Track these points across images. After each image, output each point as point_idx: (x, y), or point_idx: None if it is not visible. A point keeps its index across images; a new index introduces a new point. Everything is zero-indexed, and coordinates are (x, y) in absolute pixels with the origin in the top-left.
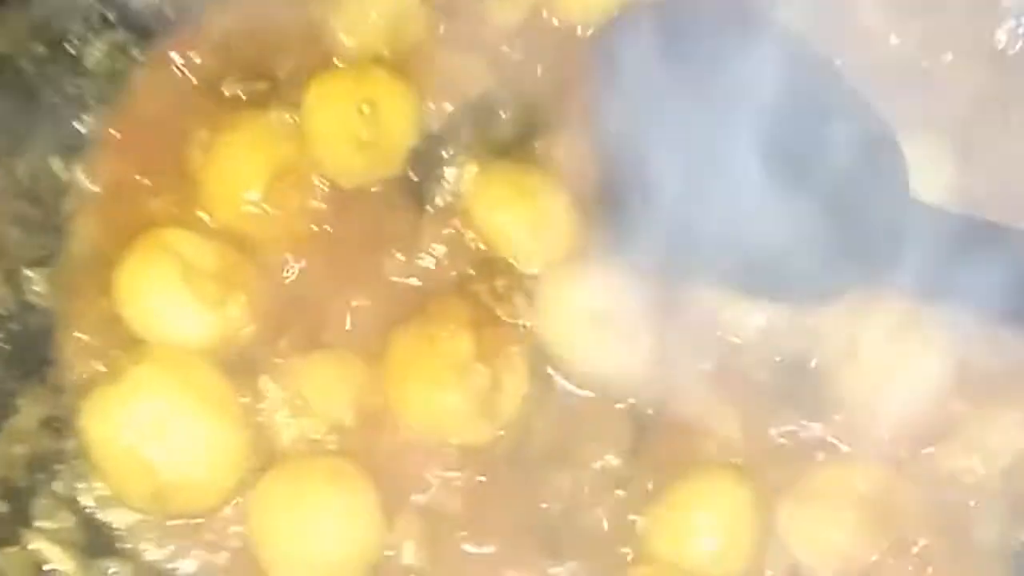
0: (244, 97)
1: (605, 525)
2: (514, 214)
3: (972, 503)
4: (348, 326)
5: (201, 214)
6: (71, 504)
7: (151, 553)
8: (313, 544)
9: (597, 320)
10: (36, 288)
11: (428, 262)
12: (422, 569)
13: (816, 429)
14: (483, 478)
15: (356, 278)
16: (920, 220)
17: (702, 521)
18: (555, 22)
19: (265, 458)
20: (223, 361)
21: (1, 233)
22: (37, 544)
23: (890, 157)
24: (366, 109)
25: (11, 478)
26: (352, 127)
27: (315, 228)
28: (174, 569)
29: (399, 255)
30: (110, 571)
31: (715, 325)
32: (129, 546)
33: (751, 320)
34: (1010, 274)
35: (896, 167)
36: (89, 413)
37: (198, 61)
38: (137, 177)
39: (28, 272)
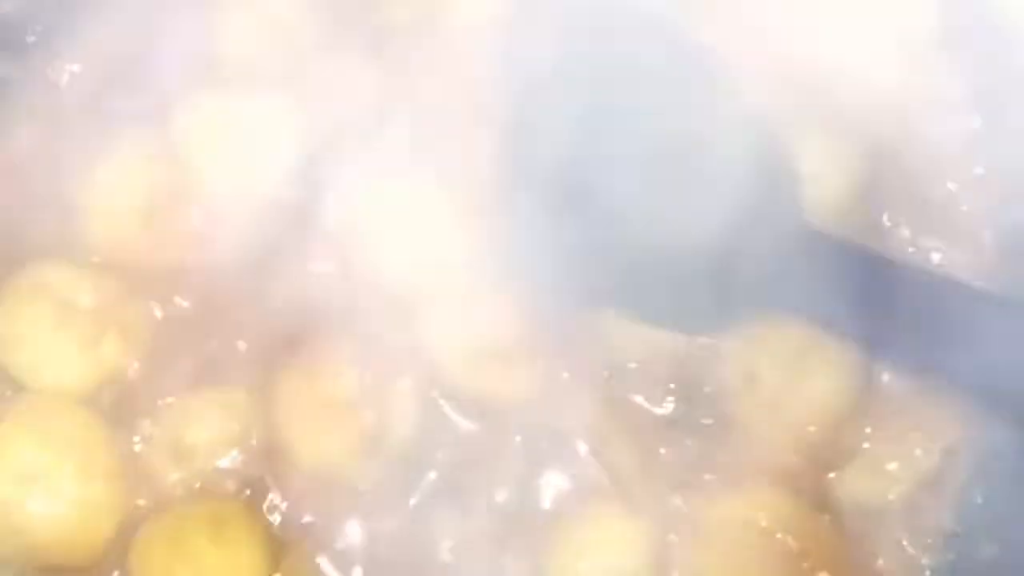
0: (125, 115)
1: (500, 554)
2: (398, 243)
3: (876, 530)
4: (233, 362)
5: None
6: None
7: None
8: None
9: (488, 348)
10: None
11: (314, 296)
12: None
13: (714, 454)
14: (377, 519)
15: (241, 310)
16: (815, 249)
17: (591, 562)
18: None
19: (149, 503)
20: (102, 405)
21: None
22: None
23: (787, 186)
24: None
25: None
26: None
27: (193, 256)
28: None
29: (282, 289)
30: None
31: (609, 350)
32: None
33: (644, 345)
34: (903, 308)
35: (792, 197)
36: None
37: (76, 75)
38: (14, 202)
39: None
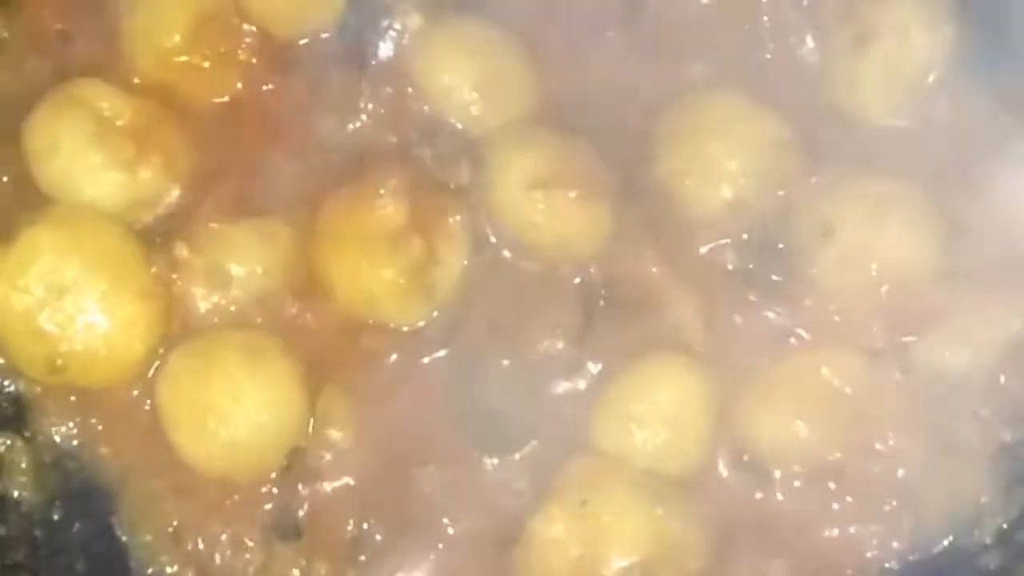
0: None
1: (547, 415)
2: (462, 73)
3: (954, 400)
4: (277, 192)
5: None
6: None
7: (48, 428)
8: (226, 422)
9: (549, 186)
10: None
11: (366, 125)
12: (346, 452)
13: (784, 315)
14: (418, 359)
15: (287, 141)
16: None
17: (649, 411)
18: None
19: (179, 331)
20: (136, 227)
21: None
22: None
23: None
24: None
25: None
26: None
27: (242, 86)
28: (74, 442)
29: (334, 117)
30: (2, 445)
31: (675, 199)
32: (24, 419)
33: (718, 193)
34: None
35: None
36: None
37: None
38: (56, 26)
39: None
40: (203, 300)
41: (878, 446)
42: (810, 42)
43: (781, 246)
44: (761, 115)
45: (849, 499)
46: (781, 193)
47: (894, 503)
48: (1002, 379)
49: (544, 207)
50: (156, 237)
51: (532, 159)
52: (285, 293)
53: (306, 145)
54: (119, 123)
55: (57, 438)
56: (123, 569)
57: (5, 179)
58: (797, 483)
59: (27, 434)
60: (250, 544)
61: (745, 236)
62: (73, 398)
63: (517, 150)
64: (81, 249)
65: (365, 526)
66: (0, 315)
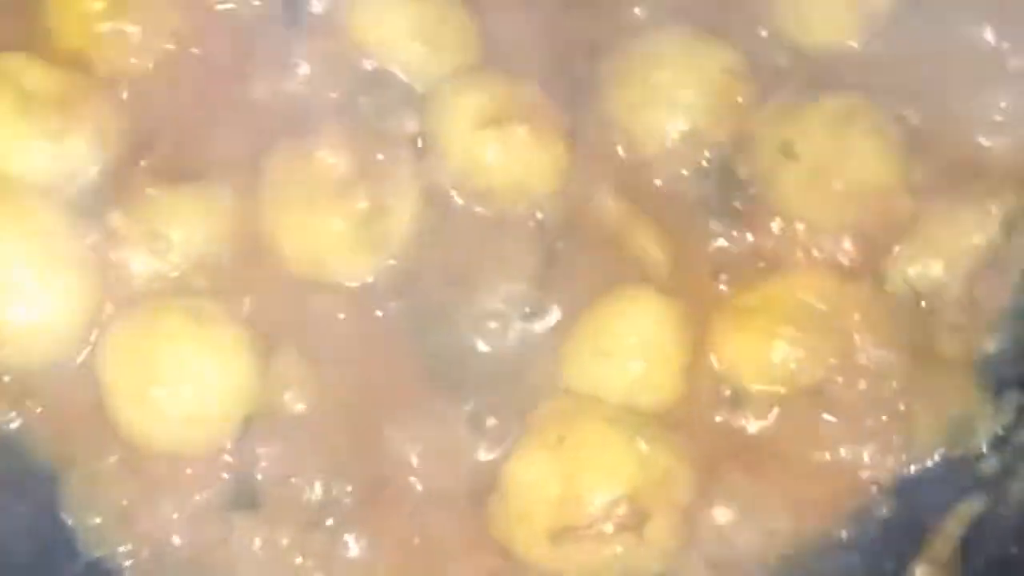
0: None
1: (514, 360)
2: (400, 24)
3: (931, 312)
4: (214, 155)
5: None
6: None
7: None
8: (173, 394)
9: (499, 123)
10: None
11: (302, 84)
12: (303, 415)
13: (750, 241)
14: (374, 313)
15: (220, 104)
16: None
17: (618, 343)
18: None
19: (118, 302)
20: (69, 199)
21: None
22: None
23: None
24: None
25: None
26: None
27: (174, 47)
28: (11, 424)
29: (268, 77)
30: None
31: (628, 135)
32: None
33: (673, 125)
34: None
35: None
36: None
37: None
38: None
39: None
40: (142, 268)
41: (860, 362)
42: None
43: (740, 173)
44: (708, 45)
45: (835, 420)
46: (737, 121)
47: (883, 419)
48: (976, 290)
49: (496, 146)
50: (89, 207)
51: (480, 99)
52: (228, 257)
53: (241, 107)
54: (43, 95)
55: None
56: (71, 553)
57: None
58: (780, 409)
59: None
60: (207, 519)
61: (704, 164)
62: (7, 378)
63: (464, 93)
64: (9, 222)
65: (332, 490)
66: None
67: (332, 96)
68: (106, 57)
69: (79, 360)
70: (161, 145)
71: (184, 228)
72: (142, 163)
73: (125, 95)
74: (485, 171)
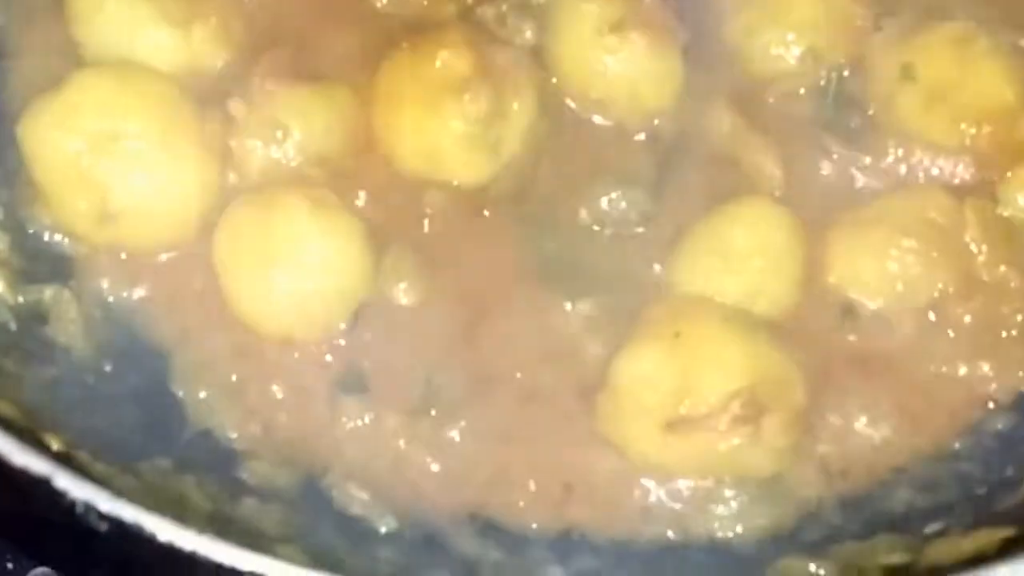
0: None
1: (627, 263)
2: None
3: None
4: (333, 58)
5: None
6: (7, 226)
7: (98, 285)
8: (289, 276)
9: (621, 29)
10: None
11: None
12: (412, 308)
13: (867, 160)
14: (484, 213)
15: (344, 6)
16: None
17: (734, 248)
18: None
19: (236, 190)
20: (192, 87)
21: None
22: None
23: None
24: None
25: None
26: None
27: None
28: (124, 301)
29: None
30: (46, 295)
31: (746, 55)
32: (72, 275)
33: (790, 45)
34: None
35: None
36: (28, 121)
37: None
38: None
39: None
40: (261, 156)
41: (979, 278)
42: None
43: (857, 94)
44: None
45: (952, 334)
46: (854, 42)
47: (1000, 335)
48: None
49: (614, 55)
50: (211, 96)
51: (601, 6)
52: (345, 153)
53: (363, 15)
54: None
55: (107, 294)
56: (181, 423)
57: (51, 50)
58: (896, 322)
59: (75, 288)
60: (315, 400)
61: (822, 84)
62: (124, 256)
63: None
64: (133, 95)
65: (437, 381)
66: (46, 162)
67: (451, 8)
68: None
69: (194, 242)
70: (283, 44)
71: (302, 121)
72: (264, 60)
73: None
74: (602, 79)
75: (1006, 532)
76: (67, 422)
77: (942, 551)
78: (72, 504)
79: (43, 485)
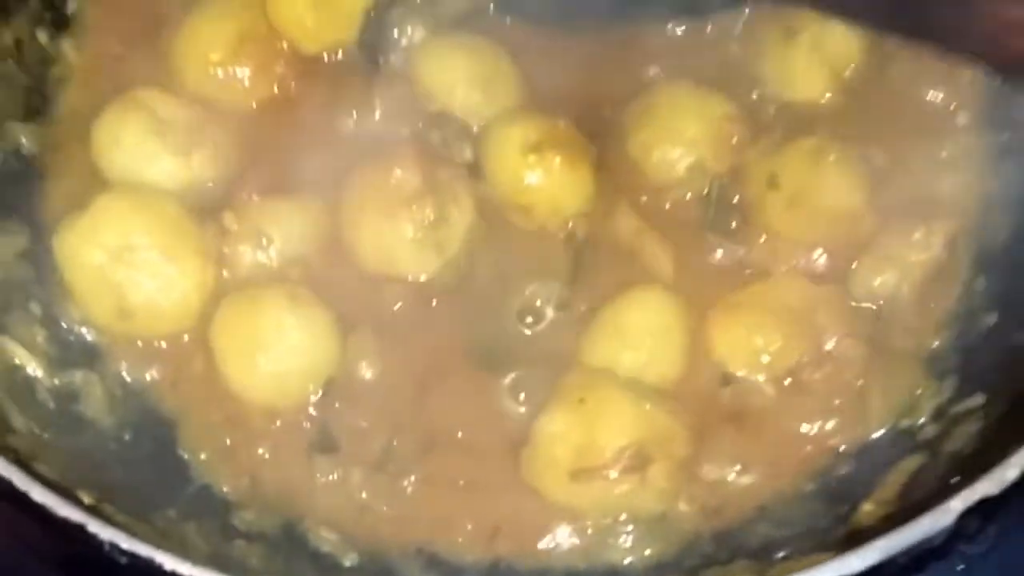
0: None
1: (546, 342)
2: (459, 74)
3: (888, 313)
4: (307, 174)
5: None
6: (44, 322)
7: (118, 368)
8: (272, 356)
9: (540, 149)
10: (23, 140)
11: (381, 121)
12: (372, 381)
13: (741, 252)
14: (432, 303)
15: (314, 134)
16: None
17: (631, 330)
18: None
19: (228, 288)
20: (191, 203)
21: None
22: (8, 346)
23: None
24: None
25: None
26: None
27: (277, 91)
28: (140, 381)
29: (354, 113)
30: (77, 378)
31: (644, 166)
32: (97, 361)
33: (680, 160)
34: None
35: None
36: (61, 236)
37: None
38: (117, 50)
39: (15, 125)
40: (249, 259)
41: (828, 351)
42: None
43: (736, 199)
44: (710, 97)
45: (807, 397)
46: (732, 157)
47: (845, 398)
48: (924, 296)
49: (536, 170)
50: (208, 209)
51: (525, 130)
52: (317, 255)
53: (329, 137)
54: (172, 121)
55: (126, 375)
56: (186, 480)
57: (78, 173)
58: (763, 386)
59: (100, 371)
60: (293, 459)
61: (706, 191)
62: (139, 343)
63: (511, 126)
64: (145, 213)
65: (394, 442)
66: (75, 270)
67: (405, 130)
68: (222, 95)
69: (194, 331)
70: (265, 164)
71: (282, 229)
72: (250, 177)
73: (237, 124)
74: (527, 191)
75: (830, 556)
76: (96, 481)
77: (783, 571)
78: (101, 544)
79: (79, 530)
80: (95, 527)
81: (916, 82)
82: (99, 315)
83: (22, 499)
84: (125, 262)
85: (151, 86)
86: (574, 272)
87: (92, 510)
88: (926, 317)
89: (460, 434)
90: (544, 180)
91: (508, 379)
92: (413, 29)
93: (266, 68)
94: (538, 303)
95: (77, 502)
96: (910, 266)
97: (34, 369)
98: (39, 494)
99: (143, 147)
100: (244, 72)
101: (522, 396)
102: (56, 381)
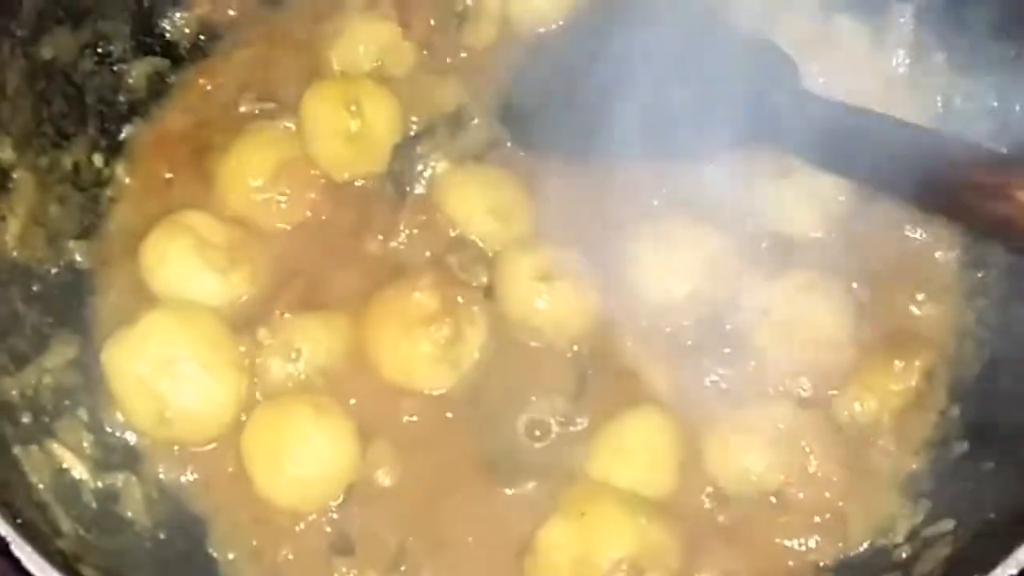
0: (256, 112)
1: (550, 456)
2: (478, 203)
3: (868, 437)
4: (335, 292)
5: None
6: (90, 426)
7: (156, 471)
8: (297, 463)
9: (549, 279)
10: (76, 255)
11: (405, 244)
12: (389, 488)
13: (734, 376)
14: (447, 415)
15: (343, 255)
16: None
17: (629, 447)
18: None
19: (260, 396)
20: (228, 318)
21: (48, 209)
22: (57, 450)
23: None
24: (353, 108)
25: (38, 400)
26: (341, 123)
27: (310, 214)
28: (175, 482)
29: (380, 236)
30: (119, 480)
31: (645, 292)
32: (137, 463)
33: (678, 288)
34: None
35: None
36: (109, 348)
37: (219, 84)
38: (166, 174)
39: (70, 242)
40: (279, 371)
41: (810, 472)
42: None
43: (729, 326)
44: (706, 231)
45: (792, 515)
46: (727, 287)
47: (826, 516)
48: (903, 423)
49: (545, 296)
50: (242, 324)
51: (537, 259)
52: (342, 367)
53: (358, 258)
54: (214, 241)
55: (163, 478)
56: None
57: (126, 287)
58: (750, 504)
59: (140, 474)
60: (314, 560)
61: (701, 317)
62: (176, 448)
63: (525, 254)
64: (187, 328)
65: (407, 543)
66: (121, 380)
67: (426, 254)
68: (260, 218)
69: (227, 438)
70: (297, 281)
71: (310, 343)
72: (282, 295)
73: (273, 244)
74: (536, 314)
75: None
76: None
77: None
78: None
79: None
80: None
81: (899, 220)
82: (141, 421)
83: None
84: (167, 373)
85: (195, 208)
86: (579, 389)
87: None
88: (904, 442)
89: (470, 539)
90: (552, 305)
91: (515, 489)
92: (436, 161)
93: (301, 194)
94: (544, 417)
95: None
96: (890, 394)
97: (80, 473)
98: None
99: (187, 265)
100: (282, 197)
101: (528, 506)
102: (99, 483)
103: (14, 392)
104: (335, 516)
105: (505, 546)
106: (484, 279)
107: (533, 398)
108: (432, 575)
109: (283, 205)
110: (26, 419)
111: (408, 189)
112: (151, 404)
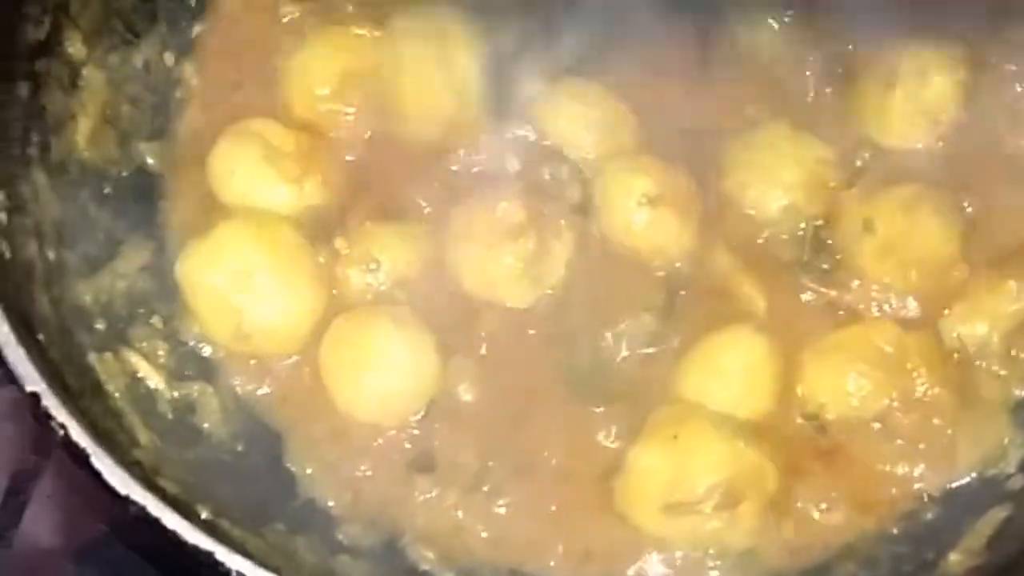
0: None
1: (639, 375)
2: (575, 117)
3: (977, 362)
4: (415, 202)
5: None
6: (165, 335)
7: (232, 383)
8: (376, 377)
9: (656, 204)
10: (147, 157)
11: (491, 158)
12: (471, 404)
13: (834, 295)
14: (530, 332)
15: (423, 165)
16: None
17: (724, 367)
18: None
19: (338, 308)
20: (305, 227)
21: (119, 109)
22: (132, 358)
23: None
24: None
25: (111, 306)
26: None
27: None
28: (251, 395)
29: (463, 150)
30: (194, 390)
31: (741, 206)
32: (214, 375)
33: (776, 201)
34: None
35: None
36: (183, 260)
37: None
38: (233, 76)
39: (141, 144)
40: (357, 282)
41: (917, 397)
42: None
43: (830, 241)
44: (807, 140)
45: (897, 441)
46: (827, 200)
47: (933, 443)
48: (1013, 347)
49: (647, 221)
50: (319, 234)
51: (644, 180)
52: (422, 279)
53: (439, 168)
54: (284, 149)
55: (239, 391)
56: (292, 493)
57: (197, 195)
58: (852, 428)
59: (216, 385)
60: (393, 476)
61: (800, 233)
62: (253, 361)
63: (633, 174)
64: (263, 240)
65: (489, 464)
66: (197, 292)
67: (515, 166)
68: (330, 128)
69: (305, 350)
70: (375, 191)
71: (390, 254)
72: (360, 205)
73: (347, 154)
74: (633, 235)
75: None
76: (213, 494)
77: None
78: (228, 571)
79: (208, 555)
80: (222, 555)
81: (1011, 131)
82: (218, 334)
83: (155, 524)
84: (244, 286)
85: (263, 114)
86: (669, 308)
87: (212, 528)
88: (1014, 367)
89: (554, 461)
90: (654, 229)
91: (602, 409)
92: (532, 78)
93: (368, 108)
94: (632, 337)
95: (201, 522)
96: (1001, 316)
97: (156, 382)
98: (171, 520)
99: (257, 175)
100: (349, 109)
101: (616, 427)
102: (175, 393)
103: (87, 297)
104: (416, 432)
105: (592, 468)
106: (577, 195)
107: (621, 315)
108: (516, 496)
109: (353, 115)
110: (100, 325)
111: (504, 105)
112: (228, 318)
